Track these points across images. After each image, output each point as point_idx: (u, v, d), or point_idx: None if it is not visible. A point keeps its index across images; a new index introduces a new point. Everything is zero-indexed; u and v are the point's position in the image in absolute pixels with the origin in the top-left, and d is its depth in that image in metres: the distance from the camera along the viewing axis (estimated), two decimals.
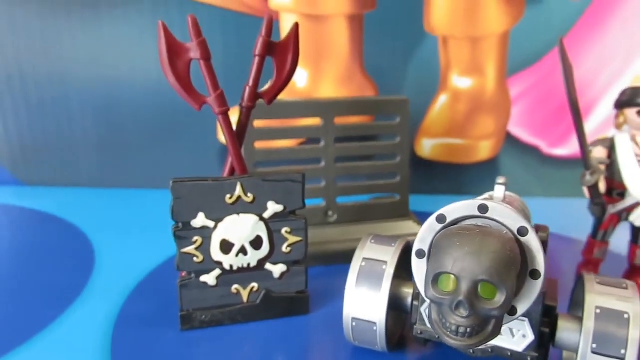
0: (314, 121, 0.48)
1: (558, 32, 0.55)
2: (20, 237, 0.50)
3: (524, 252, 0.22)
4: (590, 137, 0.41)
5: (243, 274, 0.36)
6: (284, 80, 0.38)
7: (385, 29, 0.55)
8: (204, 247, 0.35)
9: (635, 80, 0.55)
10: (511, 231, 0.22)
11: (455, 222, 0.24)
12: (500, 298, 0.20)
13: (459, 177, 0.61)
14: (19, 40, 0.55)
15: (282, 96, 0.58)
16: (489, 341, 0.21)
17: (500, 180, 0.33)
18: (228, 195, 0.35)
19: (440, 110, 0.58)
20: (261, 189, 0.35)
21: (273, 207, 0.36)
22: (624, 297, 0.28)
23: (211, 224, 0.35)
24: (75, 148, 0.59)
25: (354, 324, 0.32)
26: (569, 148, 0.59)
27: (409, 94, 0.57)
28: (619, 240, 0.43)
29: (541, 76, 0.57)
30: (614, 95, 0.56)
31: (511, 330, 0.28)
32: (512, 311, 0.23)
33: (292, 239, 0.37)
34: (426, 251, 0.24)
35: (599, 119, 0.57)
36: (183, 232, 0.35)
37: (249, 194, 0.35)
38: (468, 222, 0.23)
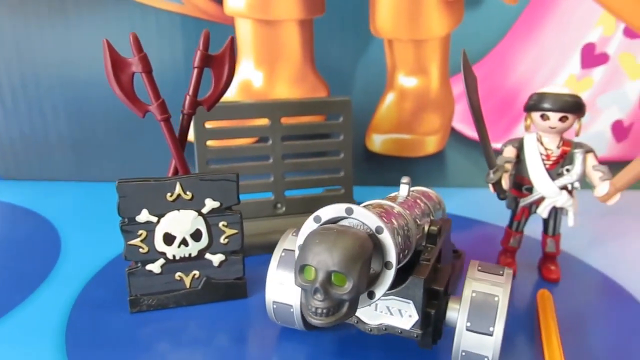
0: (263, 121, 0.52)
1: (496, 35, 0.59)
2: None
3: (381, 247, 0.27)
4: None
5: (185, 263, 0.41)
6: (222, 89, 0.42)
7: (334, 32, 0.59)
8: (149, 240, 0.40)
9: (566, 85, 0.60)
10: (371, 229, 0.27)
11: (334, 221, 0.28)
12: (349, 285, 0.25)
13: (408, 170, 0.65)
14: None
15: (240, 96, 0.63)
16: (345, 319, 0.25)
17: (404, 180, 0.38)
18: (169, 194, 0.39)
19: (388, 108, 0.62)
20: (199, 188, 0.40)
21: (210, 204, 0.40)
22: (497, 283, 0.32)
23: (154, 219, 0.39)
24: (49, 146, 0.64)
25: (274, 306, 0.36)
26: None
27: (359, 93, 0.62)
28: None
29: (482, 75, 0.60)
30: None
31: (400, 311, 0.32)
32: (371, 295, 0.27)
33: (229, 231, 0.41)
34: None
35: None
36: (129, 227, 0.39)
37: (188, 192, 0.40)
38: (343, 222, 0.28)
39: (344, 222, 0.28)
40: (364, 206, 0.31)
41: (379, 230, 0.26)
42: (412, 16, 0.58)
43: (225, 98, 0.61)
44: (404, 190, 0.37)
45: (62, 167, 0.65)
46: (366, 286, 0.27)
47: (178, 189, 0.39)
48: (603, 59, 0.60)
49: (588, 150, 0.42)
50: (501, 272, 0.33)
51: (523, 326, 0.40)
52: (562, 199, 0.42)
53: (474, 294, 0.32)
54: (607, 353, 0.37)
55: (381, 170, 0.65)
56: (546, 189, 0.42)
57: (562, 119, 0.41)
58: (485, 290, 0.32)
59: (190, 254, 0.41)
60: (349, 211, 0.27)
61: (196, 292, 0.42)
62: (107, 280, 0.45)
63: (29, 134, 0.63)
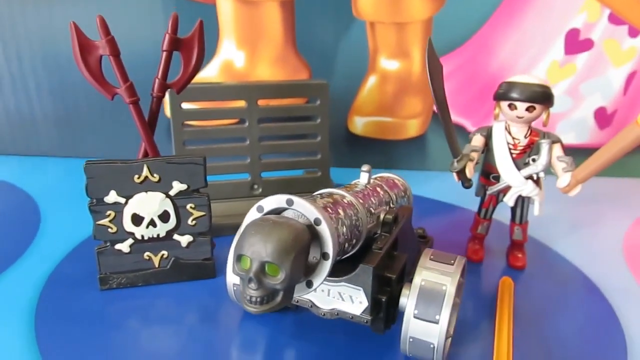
0: (240, 103, 0.52)
1: (479, 19, 0.59)
2: None
3: (319, 238, 0.27)
4: None
5: (153, 243, 0.42)
6: (191, 73, 0.42)
7: (316, 13, 0.59)
8: (117, 220, 0.41)
9: (549, 71, 0.59)
10: (310, 221, 0.27)
11: (278, 212, 0.29)
12: (282, 276, 0.25)
13: (389, 153, 0.65)
14: None
15: (222, 76, 0.63)
16: (280, 307, 0.26)
17: (364, 168, 0.38)
18: (136, 176, 0.40)
19: (370, 91, 0.62)
20: (166, 170, 0.40)
21: (178, 186, 0.41)
22: (446, 272, 0.33)
23: (122, 200, 0.40)
24: (33, 121, 0.64)
25: (234, 288, 0.37)
26: None
27: (340, 75, 0.62)
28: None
29: (464, 59, 0.60)
30: None
31: (351, 297, 0.33)
32: (309, 284, 0.28)
33: (197, 213, 0.42)
34: None
35: None
36: (97, 207, 0.40)
37: (155, 175, 0.40)
38: (287, 212, 0.28)
39: (287, 213, 0.28)
40: (314, 195, 0.32)
41: (317, 222, 0.27)
42: None
43: (207, 78, 0.62)
44: (363, 178, 0.37)
45: (46, 143, 0.66)
46: (303, 275, 0.27)
47: (145, 171, 0.40)
48: (587, 45, 0.59)
49: (555, 141, 0.42)
50: (452, 261, 0.34)
51: (484, 313, 0.41)
52: (527, 189, 0.43)
53: (422, 283, 0.33)
54: (559, 342, 0.38)
55: (363, 152, 0.65)
56: (512, 178, 0.43)
57: (529, 109, 0.41)
58: (433, 279, 0.33)
59: (158, 235, 0.42)
60: (290, 202, 0.27)
61: (165, 271, 0.43)
62: (81, 257, 0.46)
63: (14, 109, 0.64)
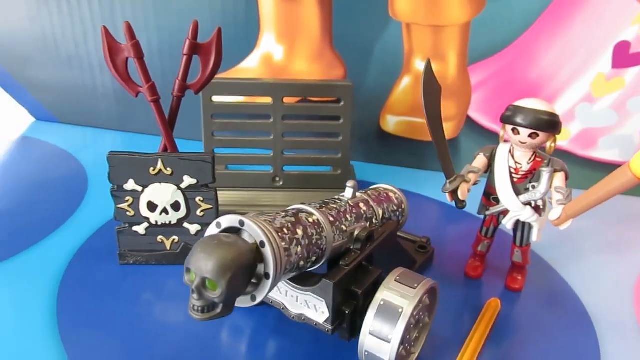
0: (267, 99, 0.55)
1: (520, 25, 0.56)
2: (27, 170, 0.63)
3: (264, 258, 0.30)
4: None
5: (166, 228, 0.46)
6: (208, 76, 0.45)
7: (353, 11, 0.59)
8: (135, 205, 0.45)
9: (594, 84, 0.56)
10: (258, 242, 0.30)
11: (236, 230, 0.31)
12: (219, 291, 0.28)
13: (420, 153, 0.65)
14: (51, 9, 0.66)
15: (261, 67, 0.66)
16: (220, 317, 0.29)
17: (349, 184, 0.40)
18: (152, 168, 0.44)
19: (404, 91, 0.62)
20: (178, 165, 0.44)
21: (188, 180, 0.45)
22: (406, 295, 0.34)
23: (139, 188, 0.45)
24: (97, 96, 0.71)
25: None
26: None
27: (375, 72, 0.62)
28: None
29: (501, 66, 0.59)
30: (575, 90, 0.58)
31: (315, 306, 0.36)
32: (253, 298, 0.31)
33: (205, 206, 0.46)
34: None
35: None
36: (118, 193, 0.45)
37: (168, 168, 0.44)
38: (243, 233, 0.31)
39: (244, 231, 0.31)
40: (280, 212, 0.34)
41: (261, 244, 0.29)
42: (431, 1, 0.57)
43: (248, 69, 0.65)
44: (348, 193, 0.39)
45: (106, 117, 0.72)
46: (250, 288, 0.30)
47: (160, 165, 0.44)
48: (638, 59, 0.55)
49: (557, 170, 0.41)
50: (416, 285, 0.35)
51: (466, 332, 0.41)
52: (525, 214, 0.42)
53: (382, 302, 0.34)
54: None
55: (394, 150, 0.66)
56: (509, 203, 0.42)
57: (532, 135, 0.40)
58: (392, 300, 0.34)
59: (170, 221, 0.46)
60: (241, 223, 0.30)
61: (175, 254, 0.47)
62: (110, 233, 0.52)
63: (80, 85, 0.71)
